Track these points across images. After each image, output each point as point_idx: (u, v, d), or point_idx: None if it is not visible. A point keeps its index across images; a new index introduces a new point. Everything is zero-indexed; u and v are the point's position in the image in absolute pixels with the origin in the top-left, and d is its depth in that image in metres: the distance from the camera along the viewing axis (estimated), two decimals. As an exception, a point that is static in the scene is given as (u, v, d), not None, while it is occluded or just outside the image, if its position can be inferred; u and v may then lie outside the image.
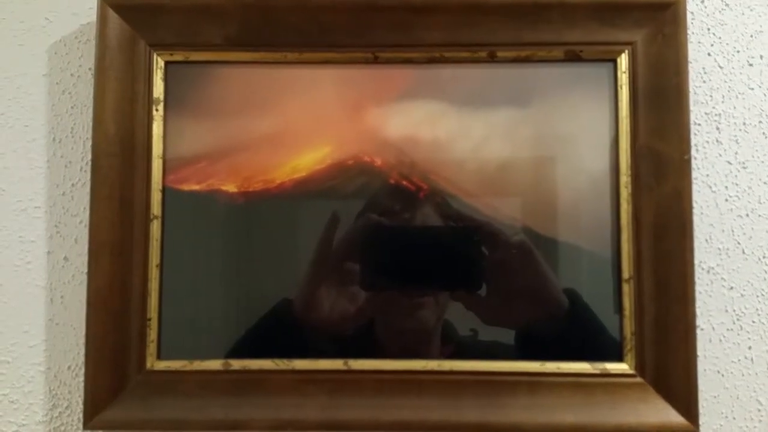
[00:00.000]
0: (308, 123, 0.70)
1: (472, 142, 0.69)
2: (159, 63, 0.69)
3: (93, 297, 0.67)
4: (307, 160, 0.70)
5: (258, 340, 0.68)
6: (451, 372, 0.67)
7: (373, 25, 0.69)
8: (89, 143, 0.70)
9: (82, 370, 0.68)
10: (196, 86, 0.70)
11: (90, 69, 0.72)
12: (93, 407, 0.66)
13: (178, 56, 0.69)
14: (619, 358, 0.67)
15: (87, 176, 0.70)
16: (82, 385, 0.68)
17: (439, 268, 0.68)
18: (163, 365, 0.68)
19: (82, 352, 0.68)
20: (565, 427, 0.66)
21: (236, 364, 0.68)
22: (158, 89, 0.69)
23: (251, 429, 0.66)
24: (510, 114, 0.69)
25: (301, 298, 0.68)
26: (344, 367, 0.67)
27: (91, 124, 0.70)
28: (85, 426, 0.66)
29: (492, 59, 0.69)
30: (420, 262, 0.68)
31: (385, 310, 0.68)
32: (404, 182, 0.69)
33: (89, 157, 0.70)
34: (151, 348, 0.67)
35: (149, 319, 0.67)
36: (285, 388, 0.67)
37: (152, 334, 0.67)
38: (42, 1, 0.73)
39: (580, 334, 0.67)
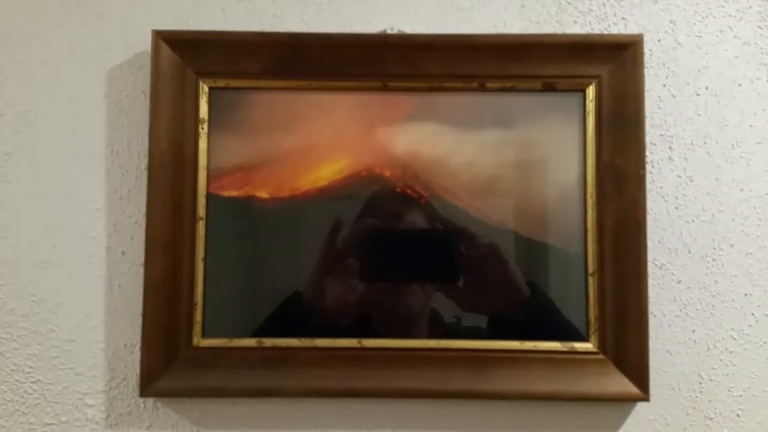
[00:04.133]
0: (328, 140, 0.83)
1: (465, 157, 0.83)
2: (204, 88, 0.82)
3: (149, 285, 0.79)
4: (327, 171, 0.83)
5: (276, 325, 0.81)
6: (445, 349, 0.80)
7: (383, 59, 0.82)
8: (143, 155, 0.83)
9: (137, 348, 0.81)
10: (235, 108, 0.83)
11: (143, 91, 0.84)
12: (147, 378, 0.79)
13: (220, 83, 0.82)
14: (585, 339, 0.80)
15: (141, 183, 0.83)
16: (136, 360, 0.81)
17: (424, 264, 0.81)
18: (206, 342, 0.80)
19: (137, 332, 0.81)
20: (540, 394, 0.79)
21: (268, 342, 0.81)
22: (203, 110, 0.82)
23: (282, 396, 0.79)
24: (497, 135, 0.83)
25: (310, 290, 0.81)
26: (358, 345, 0.80)
27: (143, 138, 0.83)
28: (141, 394, 0.79)
29: (482, 89, 0.83)
30: (409, 259, 0.81)
31: (379, 299, 0.81)
32: (408, 190, 0.83)
33: (143, 166, 0.83)
34: (197, 328, 0.80)
35: (195, 304, 0.80)
36: (309, 362, 0.80)
37: (198, 317, 0.80)
38: (100, 33, 0.85)
39: (540, 317, 0.81)
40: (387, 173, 0.83)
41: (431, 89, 0.83)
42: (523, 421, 0.81)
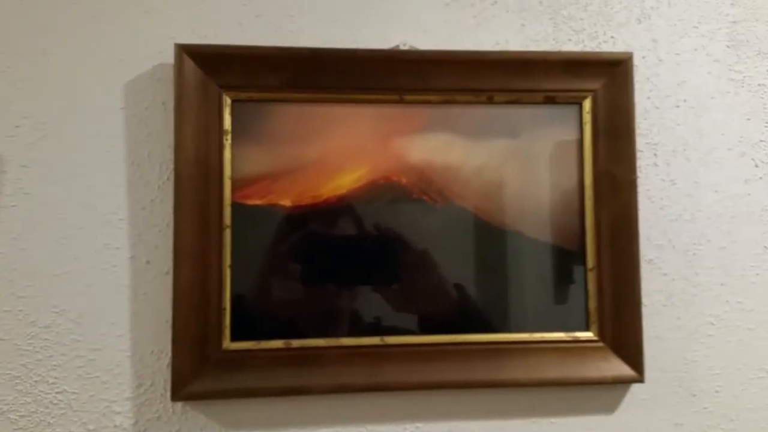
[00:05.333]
0: (347, 150, 0.87)
1: (475, 165, 0.89)
2: (227, 101, 0.85)
3: (178, 292, 0.82)
4: (346, 179, 0.87)
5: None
6: (463, 343, 0.87)
7: (399, 73, 0.87)
8: (164, 166, 0.85)
9: (164, 354, 0.83)
10: (257, 120, 0.86)
11: (163, 103, 0.86)
12: (179, 382, 0.81)
13: (243, 95, 0.85)
14: (586, 328, 0.89)
15: (164, 193, 0.85)
16: (164, 366, 0.83)
17: (363, 268, 0.86)
18: (235, 346, 0.83)
19: (164, 338, 0.83)
20: (548, 380, 0.87)
21: (295, 342, 0.84)
22: (227, 122, 0.85)
23: (312, 393, 0.83)
24: (503, 144, 0.90)
25: (252, 291, 0.84)
26: (381, 342, 0.86)
27: (164, 149, 0.85)
28: (173, 398, 0.81)
29: (490, 102, 0.89)
30: (348, 264, 0.86)
31: (316, 300, 0.85)
32: (424, 196, 0.88)
33: (165, 177, 0.85)
34: (226, 332, 0.83)
35: (224, 309, 0.83)
36: (336, 360, 0.84)
37: (226, 321, 0.83)
38: (118, 45, 0.86)
39: (468, 316, 0.88)
40: (404, 180, 0.88)
41: (444, 102, 0.88)
42: (533, 405, 0.89)
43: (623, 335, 0.88)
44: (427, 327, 0.87)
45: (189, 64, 0.84)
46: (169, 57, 0.84)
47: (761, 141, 0.95)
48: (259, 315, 0.85)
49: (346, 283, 0.86)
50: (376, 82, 0.87)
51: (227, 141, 0.85)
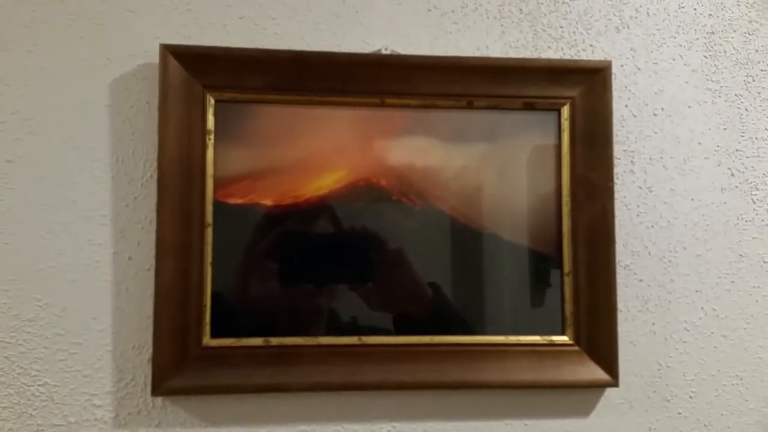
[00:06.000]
0: (329, 152, 0.89)
1: (455, 168, 0.91)
2: (211, 101, 0.86)
3: (160, 288, 0.83)
4: (327, 180, 0.89)
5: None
6: (440, 344, 0.88)
7: (381, 77, 0.89)
8: (148, 164, 0.87)
9: (145, 349, 0.85)
10: (240, 120, 0.87)
11: (147, 102, 0.88)
12: (159, 378, 0.82)
13: (227, 96, 0.87)
14: (562, 332, 0.90)
15: (147, 191, 0.86)
16: (144, 361, 0.84)
17: (339, 267, 0.87)
18: (215, 342, 0.84)
19: (145, 334, 0.84)
20: (523, 383, 0.88)
21: (274, 340, 0.85)
22: (210, 122, 0.86)
23: (290, 391, 0.85)
24: (483, 149, 0.91)
25: (231, 289, 0.85)
26: (359, 342, 0.87)
27: (148, 147, 0.87)
28: (153, 393, 0.82)
29: (470, 107, 0.91)
30: (325, 263, 0.87)
31: (294, 299, 0.86)
32: (403, 198, 0.90)
33: (149, 175, 0.87)
34: (206, 329, 0.84)
35: (204, 306, 0.84)
36: (314, 359, 0.85)
37: (206, 318, 0.84)
38: (104, 44, 0.87)
39: (444, 316, 0.89)
40: (383, 182, 0.89)
41: (424, 106, 0.90)
42: (508, 407, 0.90)
43: (599, 340, 0.90)
44: (403, 326, 0.88)
45: (174, 64, 0.85)
46: (154, 57, 0.86)
47: (737, 150, 0.97)
48: (239, 312, 0.86)
49: (323, 281, 0.87)
50: (357, 86, 0.89)
51: (210, 140, 0.86)
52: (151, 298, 0.83)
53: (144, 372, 0.85)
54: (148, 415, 0.85)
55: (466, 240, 0.90)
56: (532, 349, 0.89)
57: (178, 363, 0.83)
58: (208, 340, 0.84)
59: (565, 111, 0.92)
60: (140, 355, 0.85)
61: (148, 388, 0.83)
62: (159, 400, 0.85)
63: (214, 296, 0.85)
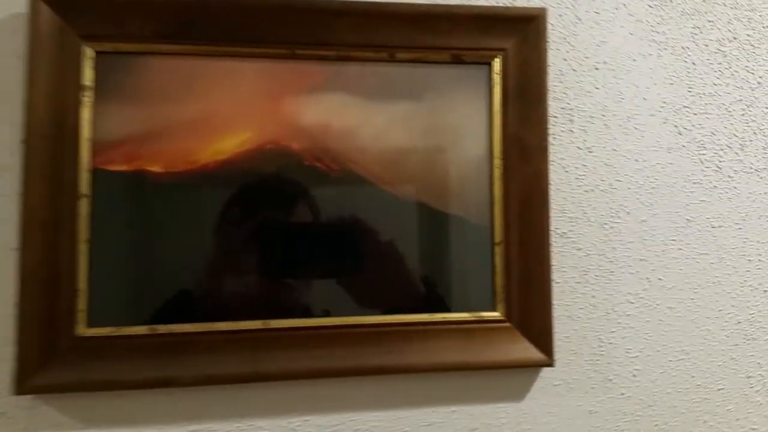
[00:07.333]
0: (230, 110, 0.78)
1: (376, 129, 0.81)
2: (89, 53, 0.75)
3: (26, 270, 0.71)
4: (228, 143, 0.78)
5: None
6: (354, 325, 0.79)
7: (291, 24, 0.78)
8: (16, 128, 0.75)
9: (9, 341, 0.73)
10: (124, 75, 0.76)
11: (18, 58, 0.76)
12: (23, 374, 0.71)
13: (108, 47, 0.75)
14: (492, 307, 0.82)
15: (15, 159, 0.75)
16: (8, 355, 0.73)
17: (324, 259, 0.79)
18: (91, 332, 0.73)
19: (9, 323, 0.73)
20: (450, 365, 0.80)
21: (162, 328, 0.75)
22: (88, 77, 0.75)
23: (180, 385, 0.74)
24: (406, 107, 0.82)
25: (202, 288, 0.76)
26: (262, 326, 0.77)
27: (17, 109, 0.75)
28: (17, 391, 0.71)
29: (391, 59, 0.81)
30: (308, 254, 0.79)
31: (272, 293, 0.78)
32: (317, 164, 0.80)
33: (17, 140, 0.75)
34: (81, 317, 0.73)
35: (77, 290, 0.73)
36: (209, 348, 0.75)
37: (81, 304, 0.73)
38: (-34, -10, 0.76)
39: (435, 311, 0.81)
40: (295, 146, 0.79)
41: (340, 58, 0.80)
42: (433, 392, 0.82)
43: (532, 315, 0.82)
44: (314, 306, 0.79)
45: (45, 10, 0.74)
46: (24, 5, 0.74)
47: (685, 107, 0.89)
48: (123, 298, 0.75)
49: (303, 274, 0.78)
50: (264, 34, 0.78)
51: (87, 98, 0.75)
52: (15, 281, 0.72)
53: (8, 367, 0.73)
54: (12, 417, 0.74)
55: (388, 208, 0.81)
56: (459, 327, 0.81)
57: (46, 356, 0.72)
58: (83, 330, 0.73)
59: (497, 64, 0.83)
60: (4, 348, 0.74)
61: (11, 387, 0.72)
62: (28, 399, 0.74)
63: (93, 280, 0.74)
